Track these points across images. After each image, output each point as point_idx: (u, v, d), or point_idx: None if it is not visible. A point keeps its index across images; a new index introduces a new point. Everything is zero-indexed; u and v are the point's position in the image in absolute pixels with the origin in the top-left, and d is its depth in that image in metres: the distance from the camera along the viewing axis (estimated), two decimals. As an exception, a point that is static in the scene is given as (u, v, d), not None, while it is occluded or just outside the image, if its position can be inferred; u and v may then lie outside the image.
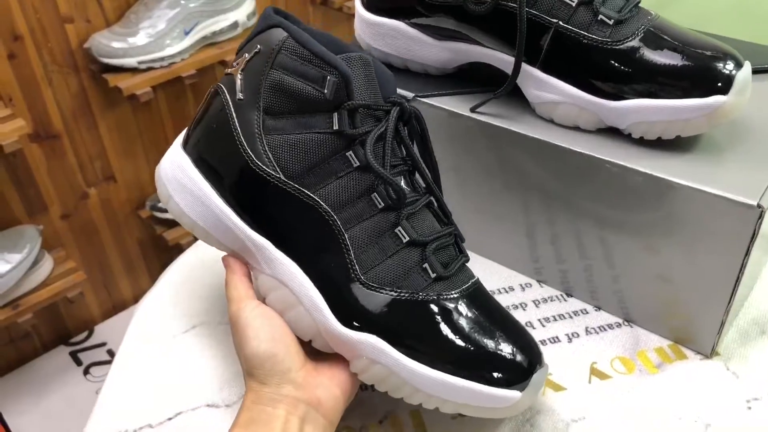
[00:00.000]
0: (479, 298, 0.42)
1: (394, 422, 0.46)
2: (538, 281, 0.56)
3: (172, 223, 1.39)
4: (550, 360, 0.48)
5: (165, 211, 1.37)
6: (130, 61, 1.16)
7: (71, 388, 1.36)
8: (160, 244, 1.43)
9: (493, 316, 0.41)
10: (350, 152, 0.41)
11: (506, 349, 0.40)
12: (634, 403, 0.46)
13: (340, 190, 0.41)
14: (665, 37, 0.45)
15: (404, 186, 0.42)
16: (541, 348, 0.42)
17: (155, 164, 0.49)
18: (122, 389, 0.50)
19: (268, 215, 0.43)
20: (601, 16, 0.46)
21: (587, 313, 0.53)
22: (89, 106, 1.26)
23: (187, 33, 1.20)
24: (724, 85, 0.43)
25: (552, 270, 0.55)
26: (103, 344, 1.46)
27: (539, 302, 0.54)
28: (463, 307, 0.41)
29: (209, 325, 0.54)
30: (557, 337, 0.51)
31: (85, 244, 1.39)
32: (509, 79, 0.48)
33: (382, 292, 0.40)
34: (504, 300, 0.54)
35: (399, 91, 0.47)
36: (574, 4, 0.46)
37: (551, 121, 0.50)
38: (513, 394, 0.39)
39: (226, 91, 0.44)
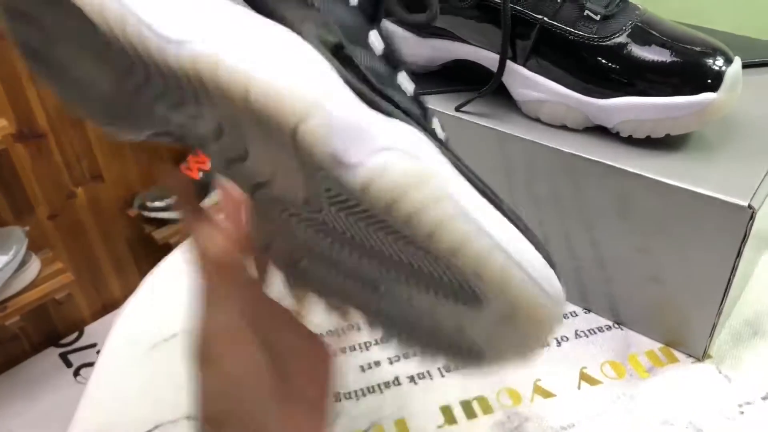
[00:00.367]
0: None
1: (378, 432, 0.44)
2: (527, 283, 0.55)
3: (161, 222, 1.38)
4: (539, 365, 0.47)
5: (153, 209, 1.36)
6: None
7: (61, 391, 1.35)
8: (149, 243, 1.42)
9: None
10: None
11: None
12: (624, 409, 0.45)
13: None
14: (653, 32, 0.44)
15: None
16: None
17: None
18: (100, 403, 0.48)
19: None
20: (587, 12, 0.45)
21: (576, 315, 0.52)
22: (74, 104, 1.24)
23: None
24: (714, 81, 0.42)
25: (541, 271, 0.53)
26: (94, 345, 1.45)
27: (528, 304, 0.53)
28: None
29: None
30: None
31: (73, 244, 1.38)
32: (494, 76, 0.47)
33: None
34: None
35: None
36: (559, 0, 0.45)
37: (538, 120, 0.49)
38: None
39: None
